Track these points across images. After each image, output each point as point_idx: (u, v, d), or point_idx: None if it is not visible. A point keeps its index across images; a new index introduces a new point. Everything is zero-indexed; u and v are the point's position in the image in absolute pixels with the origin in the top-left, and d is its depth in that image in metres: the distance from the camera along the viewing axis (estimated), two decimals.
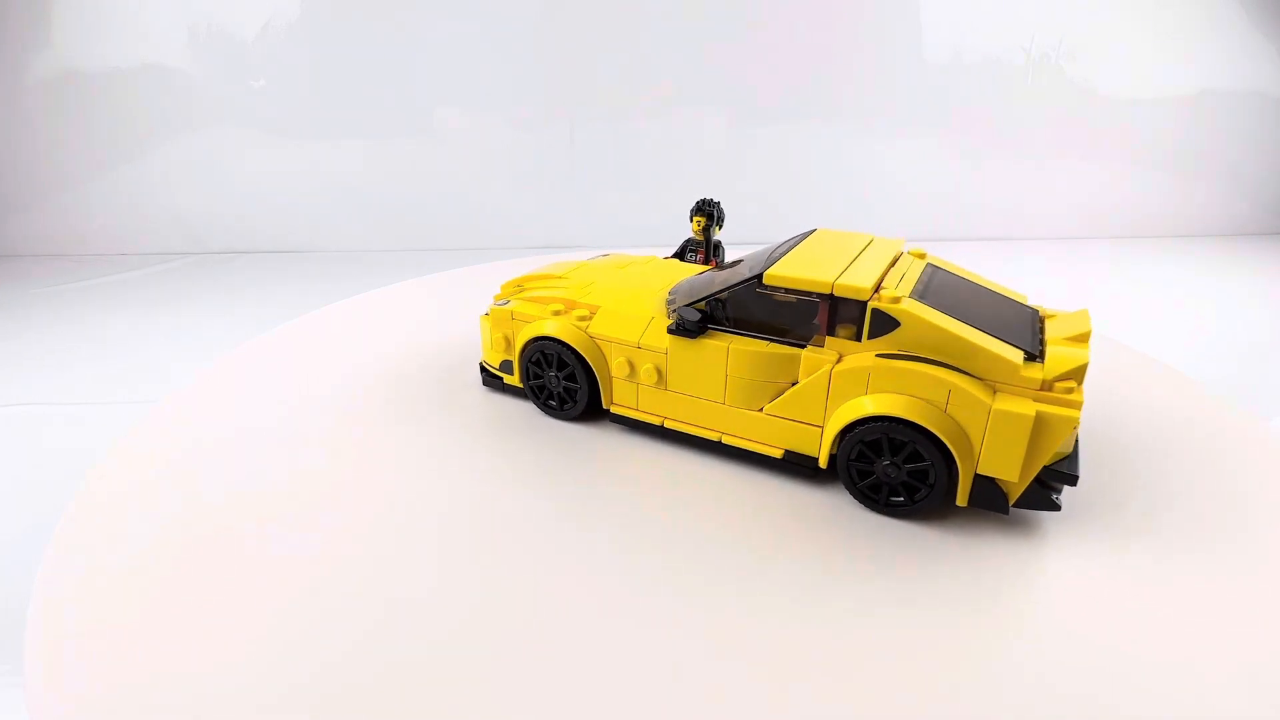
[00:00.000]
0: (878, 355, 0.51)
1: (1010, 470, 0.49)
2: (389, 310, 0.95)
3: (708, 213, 0.86)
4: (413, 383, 0.73)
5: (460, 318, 0.87)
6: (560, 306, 0.65)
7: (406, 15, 2.33)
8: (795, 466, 0.57)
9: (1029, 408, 0.47)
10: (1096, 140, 2.68)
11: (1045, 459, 0.49)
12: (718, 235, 0.88)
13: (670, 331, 0.59)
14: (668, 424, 0.62)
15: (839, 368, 0.52)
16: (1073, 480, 0.50)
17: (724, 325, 0.57)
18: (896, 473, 0.52)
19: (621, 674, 0.41)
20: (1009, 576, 0.48)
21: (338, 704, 0.39)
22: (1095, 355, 0.83)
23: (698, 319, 0.57)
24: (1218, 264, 2.47)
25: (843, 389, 0.52)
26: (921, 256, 0.60)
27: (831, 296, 0.52)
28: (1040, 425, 0.47)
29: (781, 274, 0.54)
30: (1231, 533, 0.53)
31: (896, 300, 0.51)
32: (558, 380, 0.65)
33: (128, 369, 1.63)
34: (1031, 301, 0.60)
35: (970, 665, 0.41)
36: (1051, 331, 0.54)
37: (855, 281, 0.52)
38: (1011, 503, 0.51)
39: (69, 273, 2.27)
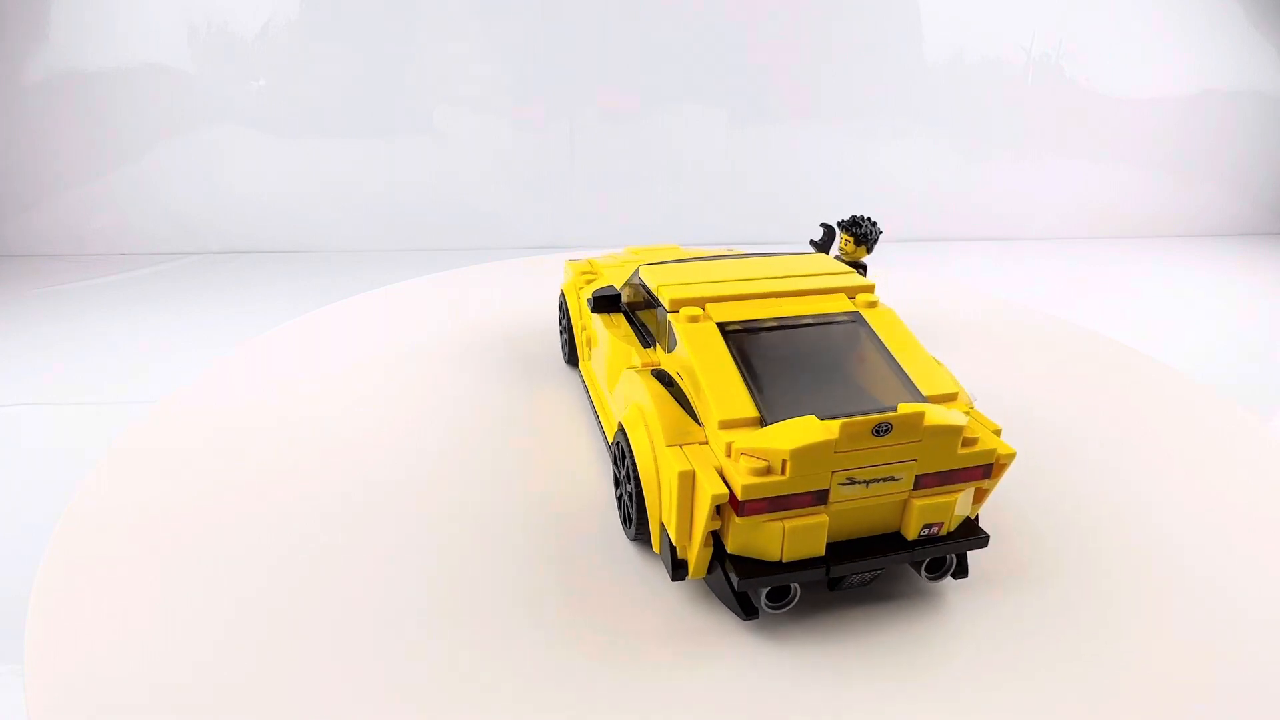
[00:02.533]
0: (645, 366, 0.50)
1: (671, 526, 0.42)
2: (389, 310, 0.95)
3: (853, 233, 0.77)
4: (414, 382, 0.73)
5: (460, 317, 0.87)
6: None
7: (407, 15, 2.33)
8: None
9: (684, 463, 0.40)
10: (1096, 140, 2.68)
11: (702, 526, 0.40)
12: (866, 258, 0.79)
13: (588, 304, 0.61)
14: (593, 395, 0.64)
15: (626, 369, 0.51)
16: (784, 595, 0.42)
17: (627, 313, 0.60)
18: (627, 488, 0.48)
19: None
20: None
21: (337, 702, 0.39)
22: (1094, 354, 0.83)
23: (602, 296, 0.59)
24: (1218, 264, 2.47)
25: (623, 391, 0.51)
26: (871, 305, 0.51)
27: (657, 300, 0.51)
28: (686, 484, 0.40)
29: (648, 271, 0.54)
30: (1234, 537, 0.53)
31: (695, 319, 0.47)
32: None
33: (128, 369, 1.63)
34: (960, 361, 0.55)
35: None
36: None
37: (677, 291, 0.49)
38: (689, 574, 0.43)
39: (69, 273, 2.27)
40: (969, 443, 0.41)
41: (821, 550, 0.41)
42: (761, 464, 0.39)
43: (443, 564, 0.49)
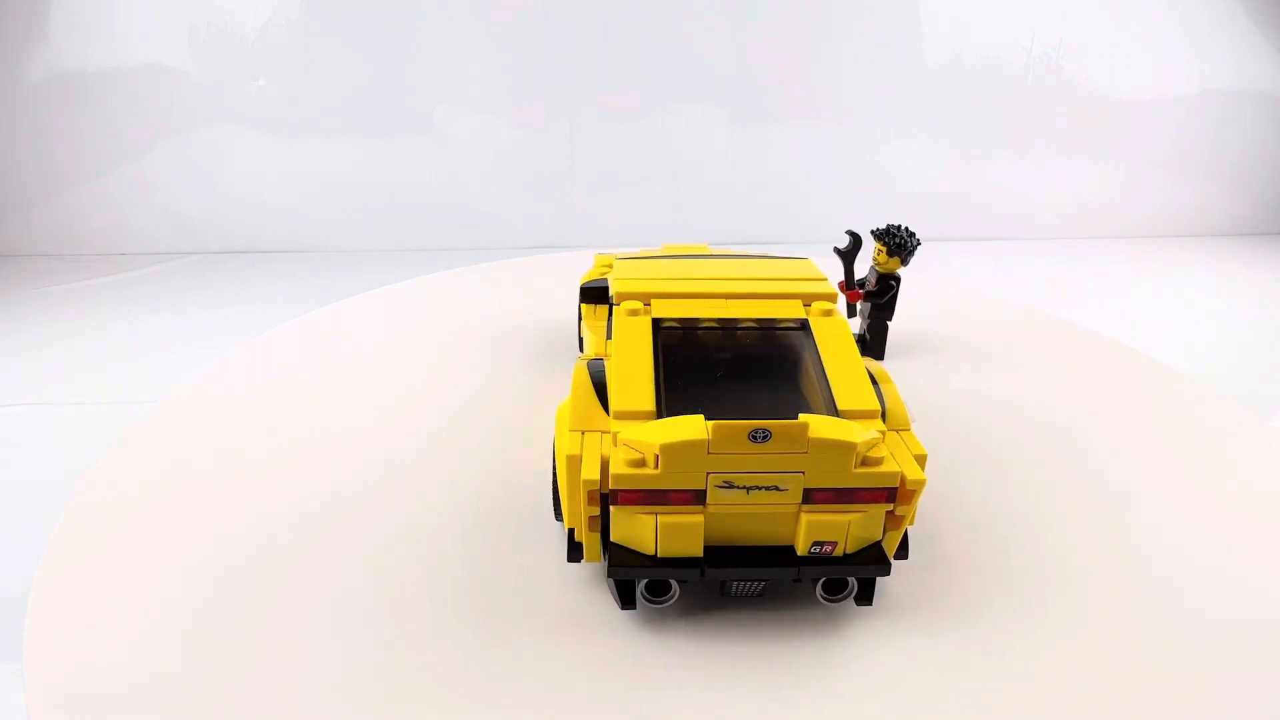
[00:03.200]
0: (597, 357, 0.50)
1: (564, 509, 0.43)
2: (389, 310, 0.95)
3: (886, 242, 0.72)
4: (413, 382, 0.73)
5: (460, 317, 0.87)
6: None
7: (407, 15, 2.33)
8: None
9: (574, 448, 0.41)
10: (1096, 140, 2.68)
11: (580, 510, 0.41)
12: (900, 270, 0.74)
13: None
14: None
15: (578, 358, 0.51)
16: (663, 590, 0.42)
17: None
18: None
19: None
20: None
21: (340, 700, 0.39)
22: (1094, 354, 0.83)
23: (588, 288, 0.61)
24: (1218, 264, 2.47)
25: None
26: (825, 314, 0.49)
27: (607, 291, 0.52)
28: (572, 468, 0.41)
29: (621, 264, 0.56)
30: (1236, 537, 0.53)
31: (634, 313, 0.48)
32: None
33: (128, 369, 1.63)
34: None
35: None
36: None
37: (627, 285, 0.50)
38: (583, 558, 0.43)
39: (69, 273, 2.27)
40: (871, 462, 0.39)
41: (698, 551, 0.41)
42: (637, 456, 0.39)
43: (443, 563, 0.49)
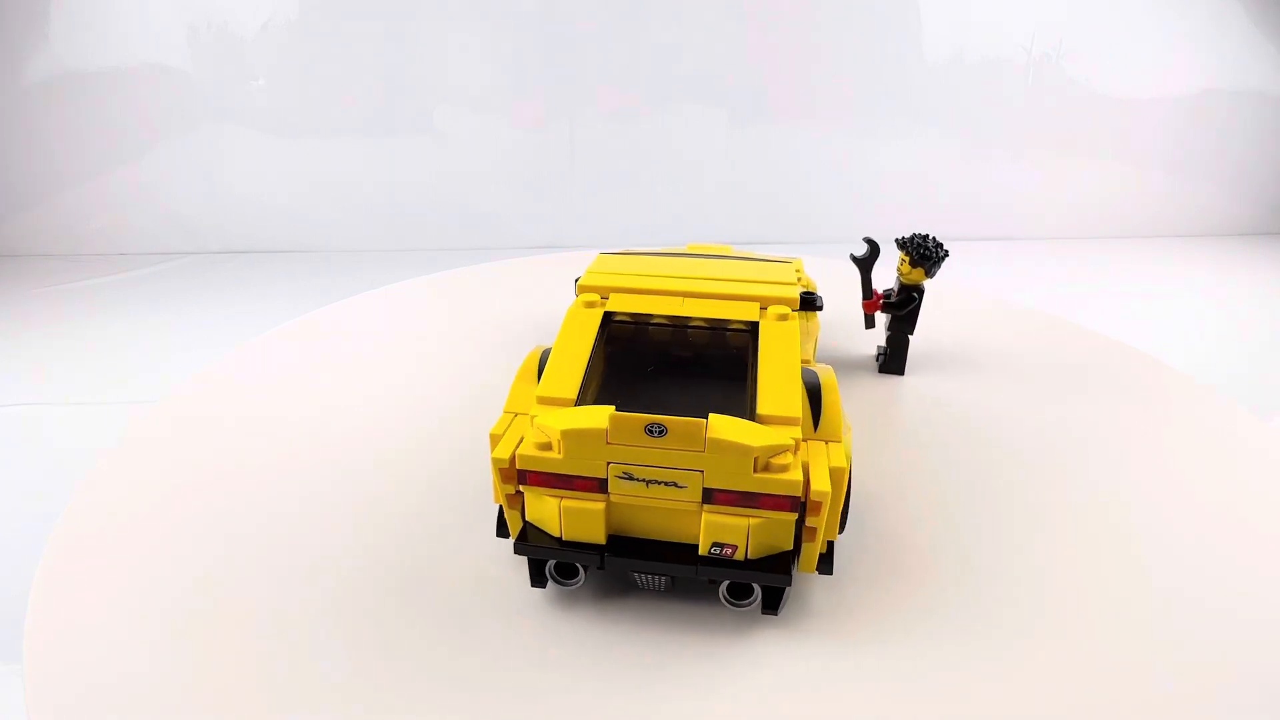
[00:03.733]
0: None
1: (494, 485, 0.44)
2: (389, 310, 0.95)
3: (909, 251, 0.69)
4: (413, 382, 0.73)
5: (460, 317, 0.87)
6: None
7: (406, 15, 2.33)
8: None
9: (498, 428, 0.43)
10: (1096, 140, 2.68)
11: (496, 487, 0.43)
12: (925, 282, 0.70)
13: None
14: None
15: (537, 346, 0.53)
16: (572, 573, 0.43)
17: None
18: None
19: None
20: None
21: (340, 700, 0.39)
22: (1094, 354, 0.83)
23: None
24: (1218, 264, 2.47)
25: None
26: (781, 318, 0.49)
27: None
28: (492, 446, 0.42)
29: (602, 259, 0.58)
30: (1233, 531, 0.53)
31: (591, 305, 0.49)
32: None
33: (127, 369, 1.63)
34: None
35: None
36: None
37: (592, 279, 0.52)
38: (509, 534, 0.45)
39: (69, 273, 2.27)
40: (774, 469, 0.39)
41: (600, 538, 0.42)
42: (546, 440, 0.40)
43: (444, 561, 0.49)
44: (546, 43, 2.40)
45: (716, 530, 0.40)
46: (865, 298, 0.72)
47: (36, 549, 0.50)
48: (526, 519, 0.43)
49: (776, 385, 0.43)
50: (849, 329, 0.76)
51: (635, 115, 2.52)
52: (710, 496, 0.40)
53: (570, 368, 0.45)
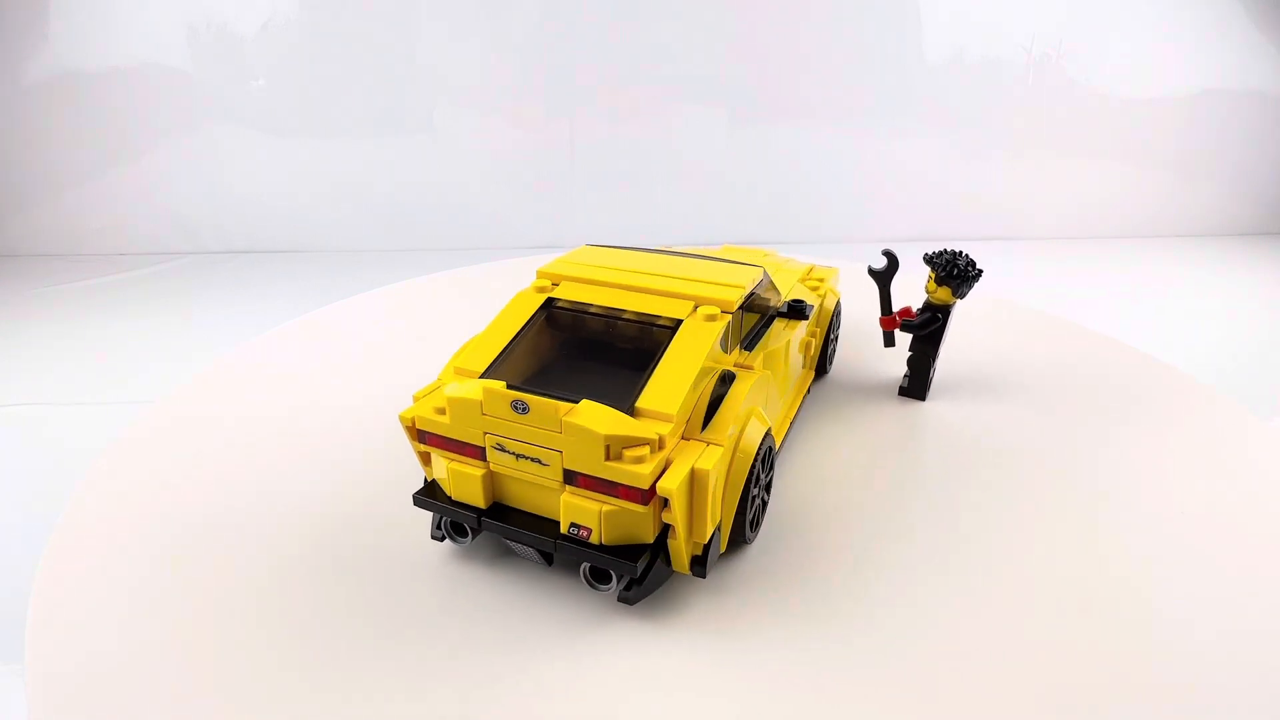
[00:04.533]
0: None
1: None
2: (389, 310, 0.95)
3: (935, 268, 0.65)
4: (413, 382, 0.73)
5: (460, 316, 0.87)
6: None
7: (407, 15, 2.33)
8: None
9: (420, 394, 0.47)
10: (1096, 140, 2.68)
11: (413, 446, 0.47)
12: (955, 302, 0.66)
13: None
14: None
15: None
16: (462, 532, 0.47)
17: None
18: None
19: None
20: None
21: (339, 700, 0.39)
22: (1094, 354, 0.83)
23: None
24: (1218, 264, 2.47)
25: None
26: (709, 318, 0.49)
27: None
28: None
29: (584, 249, 0.59)
30: (1233, 531, 0.53)
31: (541, 289, 0.53)
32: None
33: (128, 369, 1.63)
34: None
35: None
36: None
37: (554, 267, 0.55)
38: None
39: (68, 272, 2.27)
40: (630, 460, 0.40)
41: (479, 501, 0.45)
42: (442, 405, 0.44)
43: (442, 560, 0.49)
44: (546, 43, 2.40)
45: (573, 511, 0.42)
46: (883, 314, 0.68)
47: (37, 549, 0.50)
48: (433, 476, 0.48)
49: (666, 381, 0.44)
50: (878, 344, 0.73)
51: (635, 115, 2.52)
52: (571, 478, 0.42)
53: (491, 344, 0.49)
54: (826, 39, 2.46)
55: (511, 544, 0.46)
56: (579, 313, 0.51)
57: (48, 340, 1.78)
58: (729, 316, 0.49)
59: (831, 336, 0.74)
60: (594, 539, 0.42)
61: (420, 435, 0.46)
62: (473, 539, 0.47)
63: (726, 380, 0.47)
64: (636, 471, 0.40)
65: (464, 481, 0.45)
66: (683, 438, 0.44)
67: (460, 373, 0.47)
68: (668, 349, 0.46)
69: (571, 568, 0.47)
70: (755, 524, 0.50)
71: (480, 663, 0.42)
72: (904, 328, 0.67)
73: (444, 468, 0.45)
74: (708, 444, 0.43)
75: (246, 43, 2.31)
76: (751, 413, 0.48)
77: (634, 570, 0.42)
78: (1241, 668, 0.42)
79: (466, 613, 0.45)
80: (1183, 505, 0.56)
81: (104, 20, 2.25)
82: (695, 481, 0.41)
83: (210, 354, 0.82)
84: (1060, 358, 0.82)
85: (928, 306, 0.67)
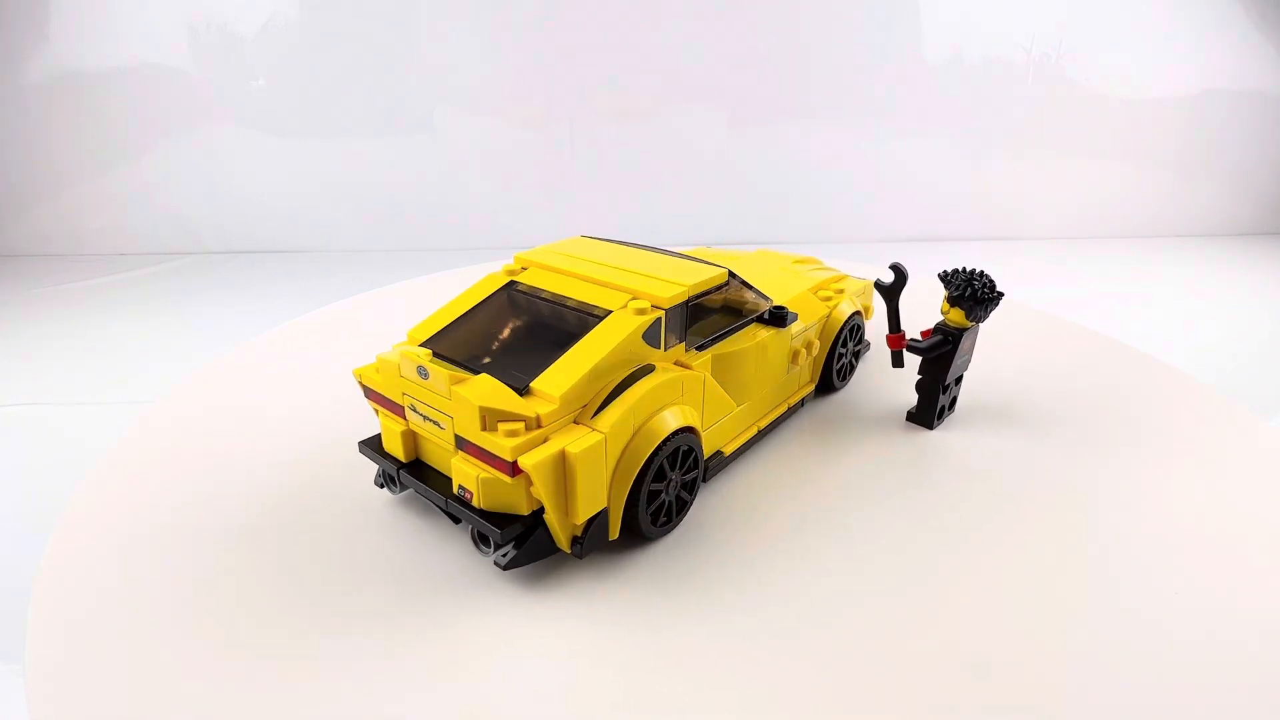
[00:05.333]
0: None
1: None
2: (389, 310, 0.95)
3: (947, 287, 0.61)
4: None
5: None
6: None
7: (407, 15, 2.33)
8: None
9: (389, 353, 0.50)
10: (1096, 140, 2.68)
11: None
12: (971, 326, 0.62)
13: None
14: None
15: None
16: (393, 483, 0.51)
17: None
18: None
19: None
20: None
21: (337, 701, 0.39)
22: (1094, 354, 0.83)
23: None
24: (1218, 264, 2.47)
25: None
26: (639, 311, 0.50)
27: None
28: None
29: (581, 240, 0.62)
30: (1234, 531, 0.53)
31: (511, 272, 0.57)
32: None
33: (128, 369, 1.63)
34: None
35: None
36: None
37: (530, 254, 0.58)
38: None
39: (68, 273, 2.27)
40: (503, 433, 0.43)
41: (401, 456, 0.51)
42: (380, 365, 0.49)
43: (442, 560, 0.49)
44: (546, 42, 2.40)
45: (460, 474, 0.46)
46: (890, 330, 0.64)
47: (37, 549, 0.50)
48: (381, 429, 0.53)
49: (567, 366, 0.46)
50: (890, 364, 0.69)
51: (635, 115, 2.51)
52: (461, 444, 0.45)
53: (444, 316, 0.54)
54: (827, 39, 2.46)
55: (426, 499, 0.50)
56: (533, 297, 0.54)
57: (48, 340, 1.78)
58: (659, 312, 0.50)
59: (844, 350, 0.71)
60: (475, 503, 0.45)
61: (365, 391, 0.51)
62: (400, 490, 0.52)
63: (640, 374, 0.48)
64: (503, 444, 0.42)
65: (391, 436, 0.51)
66: (575, 422, 0.46)
67: (411, 339, 0.52)
68: (584, 337, 0.48)
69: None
70: (662, 520, 0.51)
71: (409, 608, 0.46)
72: (909, 348, 0.63)
73: (380, 422, 0.52)
74: (592, 429, 0.45)
75: (247, 43, 2.31)
76: (663, 409, 0.49)
77: (499, 536, 0.45)
78: (1242, 668, 0.42)
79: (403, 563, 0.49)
80: (1183, 506, 0.56)
81: (104, 20, 2.25)
82: (568, 462, 0.43)
83: (210, 354, 0.82)
84: (1060, 358, 0.82)
85: (940, 328, 0.63)
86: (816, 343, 0.68)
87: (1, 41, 2.25)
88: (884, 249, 2.53)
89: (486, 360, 0.49)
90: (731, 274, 0.56)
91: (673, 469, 0.50)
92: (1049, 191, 2.73)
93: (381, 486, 0.54)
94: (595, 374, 0.46)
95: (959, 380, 0.67)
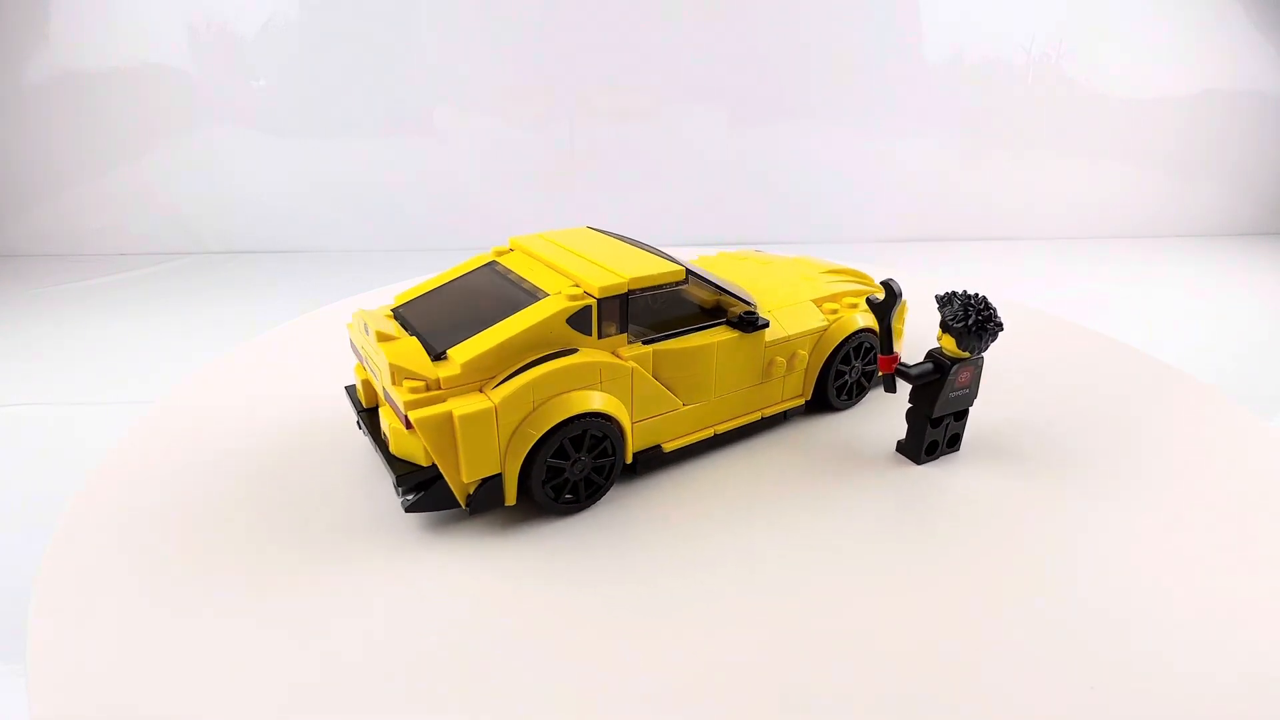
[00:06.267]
0: None
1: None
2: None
3: (941, 312, 0.56)
4: None
5: None
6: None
7: (407, 16, 2.33)
8: None
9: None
10: (1096, 140, 2.68)
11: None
12: (966, 357, 0.56)
13: None
14: None
15: None
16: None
17: None
18: None
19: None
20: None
21: (336, 701, 0.39)
22: (1094, 353, 0.83)
23: None
24: (1218, 264, 2.47)
25: None
26: (573, 298, 0.52)
27: None
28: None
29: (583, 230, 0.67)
30: (1234, 531, 0.53)
31: (500, 254, 0.61)
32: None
33: (127, 369, 1.63)
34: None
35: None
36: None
37: (520, 237, 0.62)
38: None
39: (68, 273, 2.27)
40: (406, 390, 0.47)
41: (364, 402, 0.59)
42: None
43: (441, 559, 0.49)
44: (546, 43, 2.40)
45: (383, 422, 0.53)
46: (881, 352, 0.57)
47: (37, 549, 0.50)
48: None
49: (483, 339, 0.50)
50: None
51: (635, 115, 2.52)
52: (386, 395, 0.50)
53: (425, 286, 0.60)
54: (827, 39, 2.46)
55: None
56: (502, 277, 0.58)
57: (48, 340, 1.78)
58: (590, 300, 0.51)
59: (845, 368, 0.67)
60: (391, 448, 0.52)
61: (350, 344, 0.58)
62: (367, 434, 0.56)
63: (558, 356, 0.50)
64: (403, 398, 0.47)
65: (360, 385, 0.59)
66: (480, 391, 0.49)
67: (395, 304, 0.58)
68: (519, 316, 0.51)
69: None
70: (565, 496, 0.53)
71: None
72: (897, 373, 0.57)
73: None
74: (485, 398, 0.48)
75: (247, 43, 2.31)
76: (572, 390, 0.50)
77: (394, 480, 0.50)
78: (1242, 668, 0.42)
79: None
80: (1184, 506, 0.56)
81: (104, 20, 2.25)
82: (457, 423, 0.47)
83: (210, 354, 0.82)
84: (1060, 358, 0.82)
85: (931, 355, 0.57)
86: (804, 354, 0.64)
87: (1, 41, 2.25)
88: (884, 249, 2.53)
89: (430, 327, 0.53)
90: (693, 273, 0.56)
91: (579, 450, 0.52)
92: (1049, 191, 2.73)
93: (359, 427, 0.60)
94: (506, 348, 0.49)
95: (960, 416, 0.60)
